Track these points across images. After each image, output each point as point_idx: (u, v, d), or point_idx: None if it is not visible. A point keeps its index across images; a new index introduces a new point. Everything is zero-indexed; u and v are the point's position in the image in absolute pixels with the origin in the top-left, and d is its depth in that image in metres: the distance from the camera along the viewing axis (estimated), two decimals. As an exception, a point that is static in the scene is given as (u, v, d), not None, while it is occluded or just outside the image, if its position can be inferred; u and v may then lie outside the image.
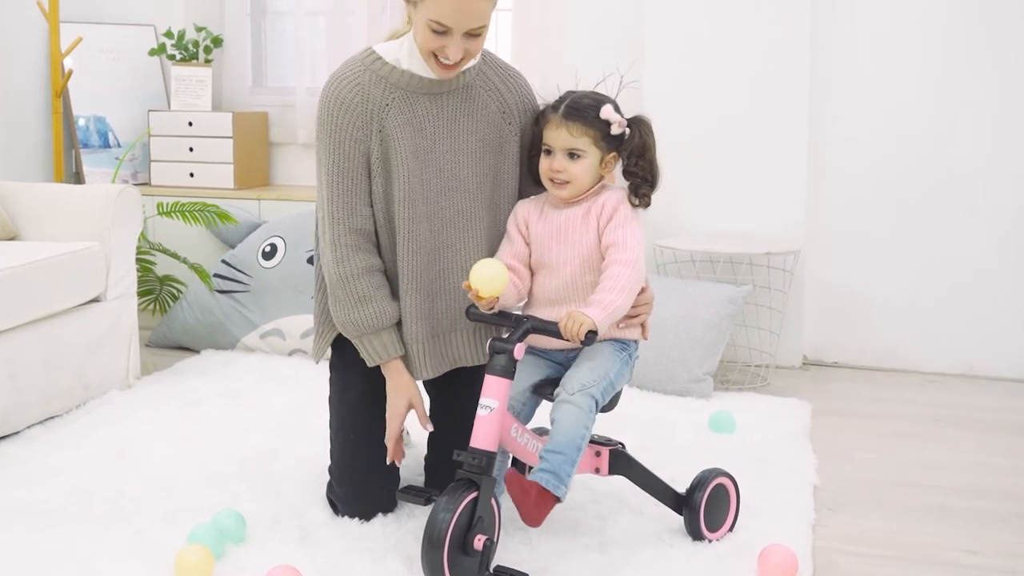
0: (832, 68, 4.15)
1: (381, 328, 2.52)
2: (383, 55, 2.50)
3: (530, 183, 2.60)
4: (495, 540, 2.30)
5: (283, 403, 3.56)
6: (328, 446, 2.71)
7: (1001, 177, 4.06)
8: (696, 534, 2.55)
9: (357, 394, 2.65)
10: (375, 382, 2.59)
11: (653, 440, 3.19)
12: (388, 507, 2.63)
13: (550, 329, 2.34)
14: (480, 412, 2.31)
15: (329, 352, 2.70)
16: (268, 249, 4.32)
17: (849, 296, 4.25)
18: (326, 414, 2.73)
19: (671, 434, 3.30)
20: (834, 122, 4.18)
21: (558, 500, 2.29)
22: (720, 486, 2.59)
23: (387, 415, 2.54)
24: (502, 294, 2.38)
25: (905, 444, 3.34)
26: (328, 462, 2.71)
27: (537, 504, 2.27)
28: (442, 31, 2.34)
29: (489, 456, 2.29)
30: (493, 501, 2.32)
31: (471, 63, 2.50)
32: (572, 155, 2.43)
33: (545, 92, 2.55)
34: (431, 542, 2.19)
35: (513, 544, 2.47)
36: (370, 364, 2.55)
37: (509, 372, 2.33)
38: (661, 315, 3.68)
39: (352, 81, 2.49)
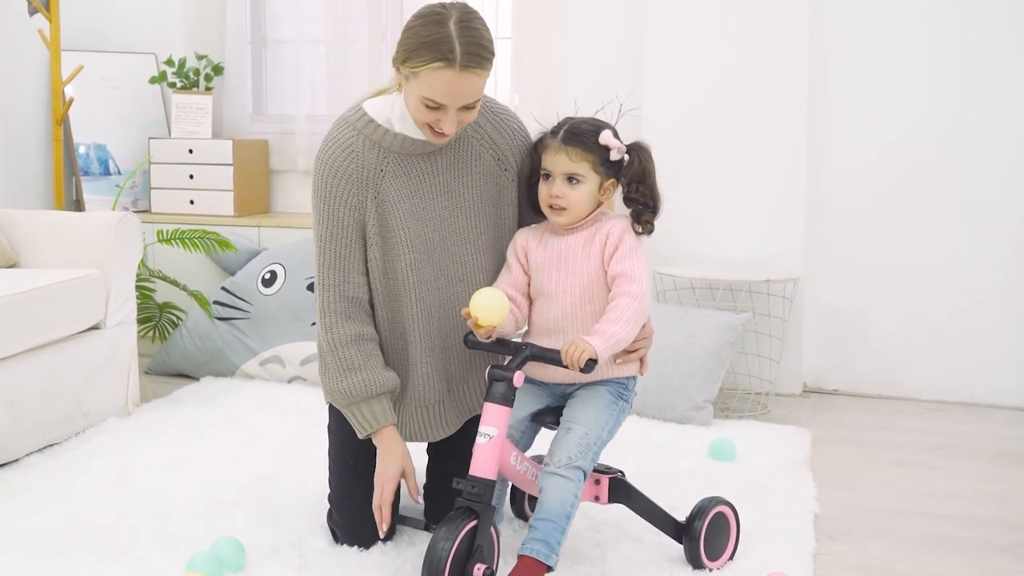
0: (830, 96, 4.16)
1: (371, 396, 2.49)
2: (375, 117, 2.48)
3: (530, 213, 2.59)
4: (495, 569, 2.30)
5: (283, 430, 3.55)
6: (327, 474, 2.70)
7: (1001, 204, 4.06)
8: (696, 563, 2.54)
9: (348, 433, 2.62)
10: None
11: (653, 468, 3.18)
12: (387, 536, 2.62)
13: (550, 356, 2.35)
14: (479, 440, 2.31)
15: None
16: (268, 276, 4.32)
17: (849, 323, 4.24)
18: (325, 442, 2.72)
19: (671, 462, 3.29)
20: (832, 149, 4.19)
21: (549, 569, 2.29)
22: (720, 514, 2.58)
23: (377, 480, 2.48)
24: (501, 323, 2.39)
25: (906, 472, 3.34)
26: (327, 490, 2.70)
27: (527, 573, 2.28)
28: (436, 107, 2.33)
29: (488, 484, 2.28)
30: (492, 530, 2.31)
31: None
32: (571, 180, 2.42)
33: (545, 121, 2.54)
34: (431, 571, 2.18)
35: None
36: (361, 435, 2.50)
37: (508, 400, 2.33)
38: (661, 342, 3.67)
39: (346, 147, 2.47)
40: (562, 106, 2.79)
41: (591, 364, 2.27)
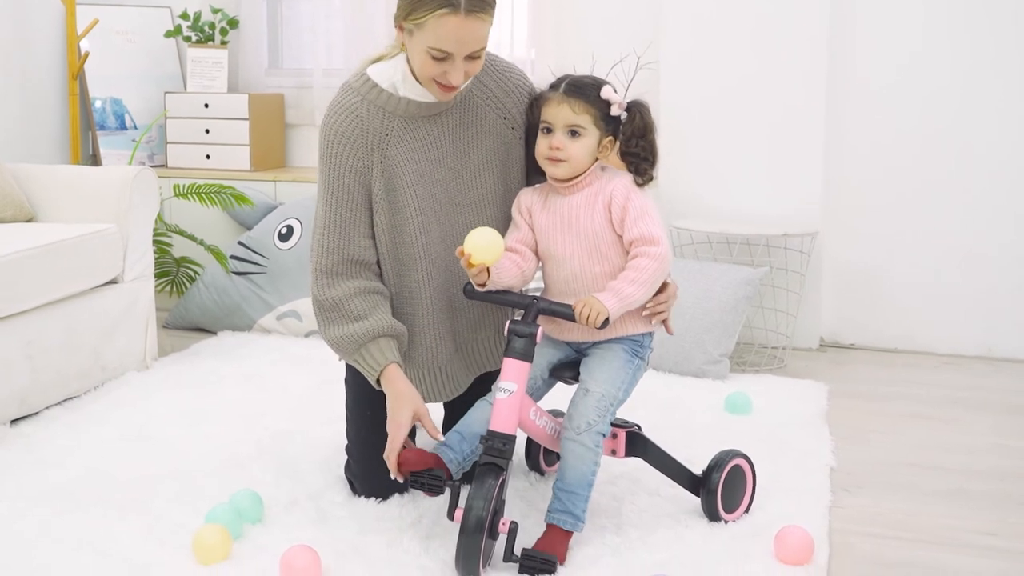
0: (852, 52, 4.12)
1: (377, 336, 2.46)
2: (379, 82, 2.47)
3: (535, 173, 2.59)
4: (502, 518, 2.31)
5: (300, 384, 3.58)
6: (345, 426, 2.71)
7: (1019, 162, 4.03)
8: (713, 515, 2.54)
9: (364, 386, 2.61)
10: None
11: (669, 421, 3.19)
12: (405, 487, 2.62)
13: (563, 312, 2.35)
14: (499, 395, 2.31)
15: None
16: (284, 231, 4.33)
17: (866, 278, 4.23)
18: (342, 395, 2.73)
19: (688, 415, 3.30)
20: (852, 105, 4.15)
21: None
22: (737, 467, 2.59)
23: (389, 427, 2.40)
24: (497, 269, 2.37)
25: (922, 426, 3.33)
26: (345, 443, 2.71)
27: (554, 542, 2.32)
28: (442, 57, 2.31)
29: (510, 439, 2.29)
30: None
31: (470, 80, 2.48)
32: (572, 133, 2.40)
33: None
34: (470, 529, 2.19)
35: (530, 525, 2.47)
36: (373, 379, 2.46)
37: (528, 355, 2.32)
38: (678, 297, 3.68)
39: (351, 112, 2.47)
40: (579, 60, 2.76)
41: (605, 323, 2.28)
